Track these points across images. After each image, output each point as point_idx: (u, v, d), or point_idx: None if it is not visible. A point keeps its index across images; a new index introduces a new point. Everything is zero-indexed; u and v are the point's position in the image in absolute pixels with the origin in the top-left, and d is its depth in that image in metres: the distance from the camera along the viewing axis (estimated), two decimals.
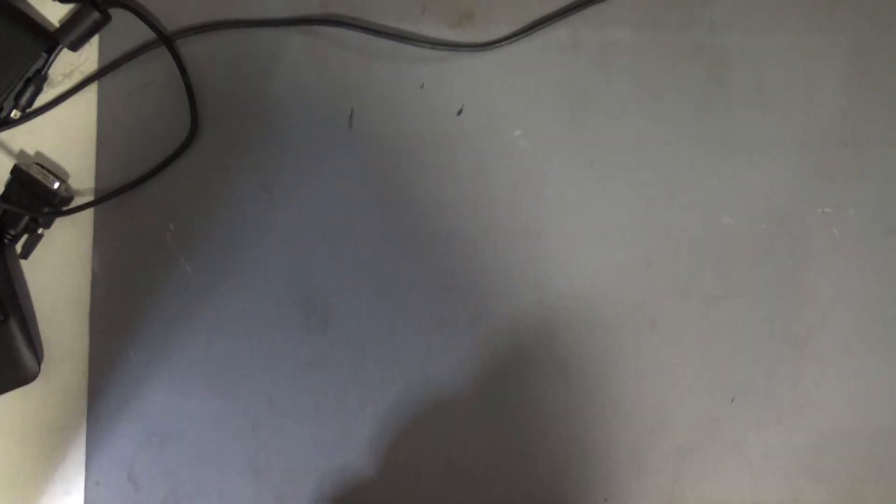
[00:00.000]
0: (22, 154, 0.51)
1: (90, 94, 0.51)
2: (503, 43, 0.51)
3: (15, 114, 0.50)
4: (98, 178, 0.51)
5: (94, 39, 0.50)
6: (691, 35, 0.51)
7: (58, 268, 0.51)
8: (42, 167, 0.50)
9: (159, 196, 0.51)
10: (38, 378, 0.50)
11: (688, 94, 0.51)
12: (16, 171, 0.49)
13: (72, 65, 0.51)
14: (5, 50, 0.48)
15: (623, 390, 0.52)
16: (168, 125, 0.51)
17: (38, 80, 0.49)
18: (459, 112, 0.51)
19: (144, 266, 0.51)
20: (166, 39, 0.50)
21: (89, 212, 0.51)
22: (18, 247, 0.50)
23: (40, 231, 0.50)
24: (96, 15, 0.48)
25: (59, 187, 0.50)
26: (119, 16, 0.50)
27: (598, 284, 0.51)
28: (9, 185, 0.50)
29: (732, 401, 0.52)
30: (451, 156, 0.51)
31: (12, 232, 0.49)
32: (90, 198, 0.51)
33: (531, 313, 0.52)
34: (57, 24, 0.49)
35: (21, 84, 0.49)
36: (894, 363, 0.52)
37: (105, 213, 0.51)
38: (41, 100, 0.50)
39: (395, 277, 0.51)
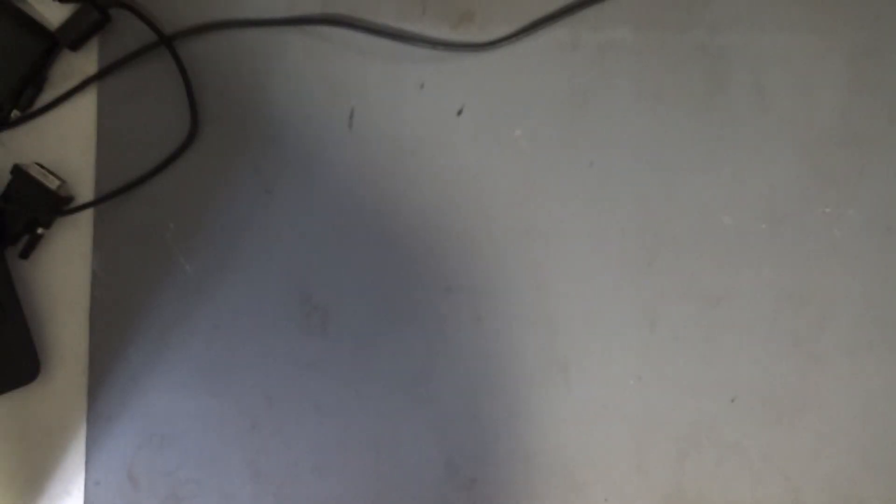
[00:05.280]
0: (22, 154, 0.51)
1: (90, 95, 0.51)
2: (503, 43, 0.51)
3: (15, 114, 0.50)
4: (98, 178, 0.51)
5: (95, 39, 0.50)
6: (691, 35, 0.51)
7: (58, 268, 0.51)
8: (42, 167, 0.50)
9: (159, 196, 0.51)
10: (38, 378, 0.50)
11: (688, 94, 0.51)
12: (16, 171, 0.49)
13: (72, 65, 0.51)
14: (5, 50, 0.48)
15: (623, 390, 0.52)
16: (168, 125, 0.51)
17: (38, 80, 0.49)
18: (459, 112, 0.51)
19: (144, 266, 0.51)
20: (166, 40, 0.50)
21: (89, 212, 0.51)
22: (18, 247, 0.50)
23: (40, 231, 0.50)
24: (96, 15, 0.48)
25: (59, 187, 0.50)
26: (119, 16, 0.50)
27: (598, 284, 0.51)
28: (9, 185, 0.50)
29: (732, 401, 0.52)
30: (451, 156, 0.51)
31: (12, 232, 0.49)
32: (90, 198, 0.51)
33: (531, 313, 0.51)
34: (57, 25, 0.49)
35: (21, 84, 0.49)
36: (894, 363, 0.52)
37: (105, 213, 0.51)
38: (41, 100, 0.51)
39: (395, 277, 0.51)
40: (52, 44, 0.49)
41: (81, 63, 0.51)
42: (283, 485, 0.52)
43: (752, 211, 0.51)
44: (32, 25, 0.49)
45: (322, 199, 0.51)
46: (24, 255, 0.50)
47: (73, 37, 0.49)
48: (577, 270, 0.51)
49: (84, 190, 0.51)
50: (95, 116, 0.51)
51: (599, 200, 0.51)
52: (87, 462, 0.51)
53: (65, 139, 0.51)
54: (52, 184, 0.50)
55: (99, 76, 0.51)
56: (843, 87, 0.51)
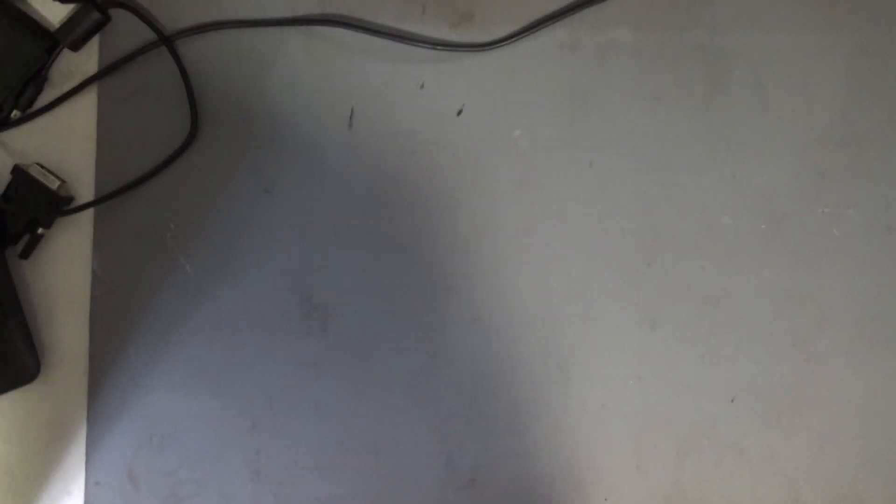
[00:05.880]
0: (22, 154, 0.51)
1: (90, 95, 0.51)
2: (503, 43, 0.51)
3: (15, 114, 0.50)
4: (98, 178, 0.51)
5: (95, 39, 0.50)
6: (691, 35, 0.51)
7: (58, 268, 0.51)
8: (42, 167, 0.50)
9: (159, 196, 0.51)
10: (38, 378, 0.50)
11: (688, 94, 0.51)
12: (16, 172, 0.50)
13: (72, 65, 0.51)
14: (6, 50, 0.48)
15: (623, 390, 0.52)
16: (168, 125, 0.51)
17: (39, 80, 0.49)
18: (459, 112, 0.51)
19: (144, 266, 0.51)
20: (166, 40, 0.50)
21: (89, 212, 0.51)
22: (18, 247, 0.50)
23: (40, 231, 0.50)
24: (96, 15, 0.48)
25: (59, 187, 0.50)
26: (119, 16, 0.50)
27: (598, 284, 0.51)
28: (9, 186, 0.50)
29: (732, 401, 0.52)
30: (451, 156, 0.51)
31: (12, 232, 0.49)
32: (90, 198, 0.51)
33: (531, 313, 0.51)
34: (57, 25, 0.49)
35: (21, 84, 0.49)
36: (894, 363, 0.52)
37: (105, 213, 0.51)
38: (41, 100, 0.51)
39: (394, 277, 0.51)
40: (52, 44, 0.49)
41: (81, 63, 0.51)
42: (283, 485, 0.52)
43: (752, 211, 0.51)
44: (32, 25, 0.49)
45: (322, 199, 0.51)
46: (24, 255, 0.50)
47: (73, 37, 0.49)
48: (577, 270, 0.51)
49: (84, 190, 0.51)
50: (95, 116, 0.51)
51: (599, 200, 0.51)
52: (87, 462, 0.51)
53: (65, 139, 0.51)
54: (52, 184, 0.50)
55: (99, 76, 0.51)
56: (843, 87, 0.51)
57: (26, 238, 0.50)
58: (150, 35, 0.50)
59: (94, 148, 0.51)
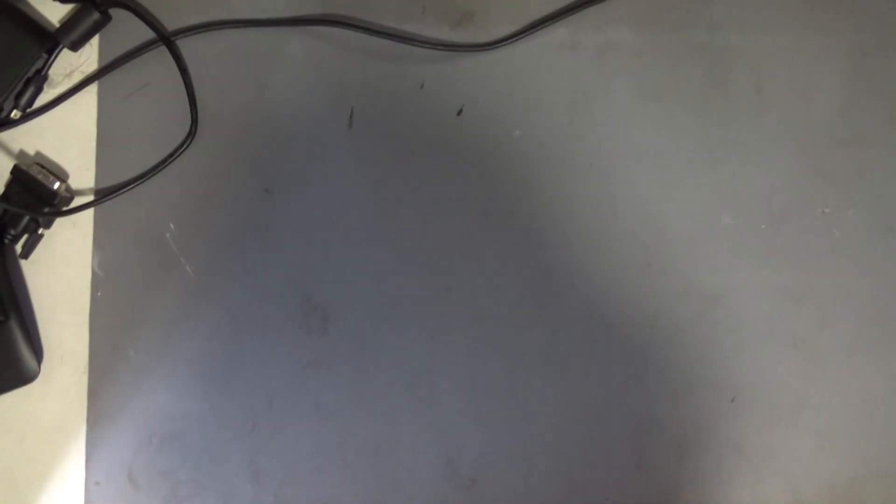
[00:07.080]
0: (22, 154, 0.51)
1: (90, 94, 0.51)
2: (503, 43, 0.51)
3: (15, 114, 0.50)
4: (98, 178, 0.51)
5: (95, 39, 0.50)
6: (691, 35, 0.51)
7: (58, 268, 0.51)
8: (42, 167, 0.50)
9: (159, 196, 0.51)
10: (38, 378, 0.50)
11: (688, 95, 0.51)
12: (16, 171, 0.49)
13: (72, 65, 0.51)
14: (5, 50, 0.48)
15: (623, 390, 0.52)
16: (168, 125, 0.51)
17: (39, 80, 0.49)
18: (459, 112, 0.51)
19: (144, 266, 0.51)
20: (166, 39, 0.50)
21: (89, 212, 0.51)
22: (18, 247, 0.50)
23: (40, 231, 0.50)
24: (96, 15, 0.48)
25: (59, 187, 0.50)
26: (119, 16, 0.50)
27: (598, 284, 0.51)
28: (9, 186, 0.50)
29: (732, 401, 0.52)
30: (451, 156, 0.51)
31: (12, 232, 0.49)
32: (90, 198, 0.51)
33: (531, 313, 0.51)
34: (57, 24, 0.49)
35: (21, 84, 0.49)
36: (894, 363, 0.52)
37: (105, 213, 0.51)
38: (41, 100, 0.50)
39: (395, 277, 0.51)
40: (52, 44, 0.49)
41: (81, 63, 0.51)
42: (283, 485, 0.52)
43: (752, 211, 0.51)
44: (32, 25, 0.49)
45: (322, 199, 0.51)
46: (25, 255, 0.50)
47: (73, 37, 0.49)
48: (577, 270, 0.51)
49: (84, 190, 0.51)
50: (95, 116, 0.51)
51: (599, 200, 0.51)
52: (87, 462, 0.51)
53: (65, 139, 0.51)
54: (53, 184, 0.50)
55: (99, 75, 0.51)
56: (843, 87, 0.51)
57: (26, 238, 0.50)
58: (150, 35, 0.50)
59: (94, 148, 0.51)
